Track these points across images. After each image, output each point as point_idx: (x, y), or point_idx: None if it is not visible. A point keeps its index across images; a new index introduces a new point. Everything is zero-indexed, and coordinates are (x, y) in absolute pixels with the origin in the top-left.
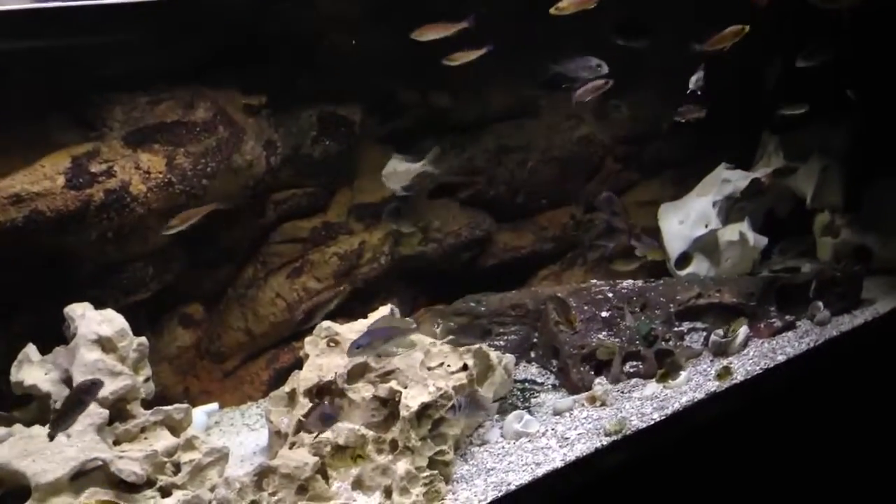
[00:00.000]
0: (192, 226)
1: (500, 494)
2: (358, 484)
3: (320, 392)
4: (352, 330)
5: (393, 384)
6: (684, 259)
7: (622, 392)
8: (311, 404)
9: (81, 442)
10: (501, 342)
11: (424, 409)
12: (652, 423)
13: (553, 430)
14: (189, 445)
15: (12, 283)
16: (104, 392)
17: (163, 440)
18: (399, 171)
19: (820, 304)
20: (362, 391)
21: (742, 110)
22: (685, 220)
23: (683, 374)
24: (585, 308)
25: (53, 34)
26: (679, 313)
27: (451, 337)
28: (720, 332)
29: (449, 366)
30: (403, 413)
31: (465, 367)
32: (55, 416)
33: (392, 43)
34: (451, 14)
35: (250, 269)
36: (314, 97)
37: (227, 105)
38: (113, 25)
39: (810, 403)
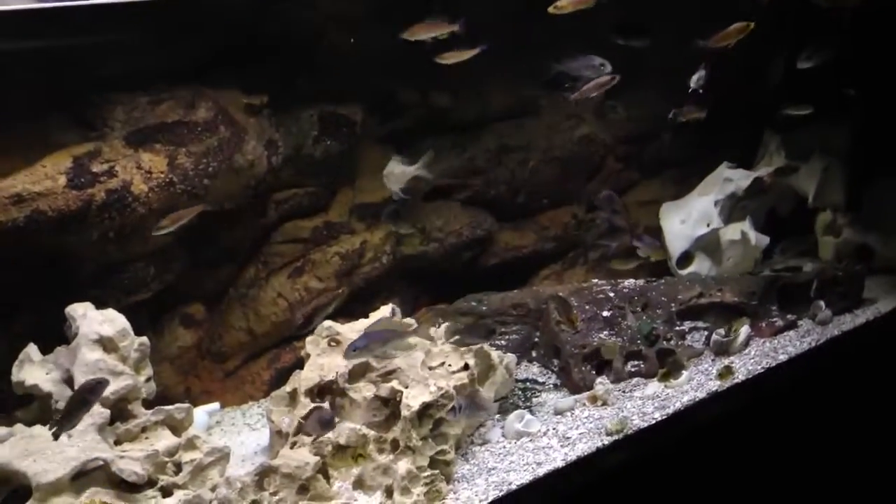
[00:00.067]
0: (189, 226)
1: (501, 494)
2: (359, 483)
3: (321, 392)
4: (353, 329)
5: (394, 384)
6: (686, 258)
7: (623, 391)
8: (312, 404)
9: (82, 442)
10: (503, 342)
11: (425, 408)
12: (653, 422)
13: (554, 429)
14: (190, 445)
15: (13, 282)
16: (105, 392)
17: (164, 440)
18: (396, 174)
19: (821, 303)
20: (363, 391)
21: (744, 109)
22: (687, 220)
23: (685, 373)
24: (587, 307)
25: (54, 34)
26: (680, 312)
27: (456, 337)
28: (721, 331)
29: (450, 365)
30: (404, 413)
31: (466, 367)
32: (60, 414)
33: (392, 43)
34: (449, 14)
35: (252, 268)
36: (315, 97)
37: (228, 105)
38: (113, 25)
39: (812, 403)
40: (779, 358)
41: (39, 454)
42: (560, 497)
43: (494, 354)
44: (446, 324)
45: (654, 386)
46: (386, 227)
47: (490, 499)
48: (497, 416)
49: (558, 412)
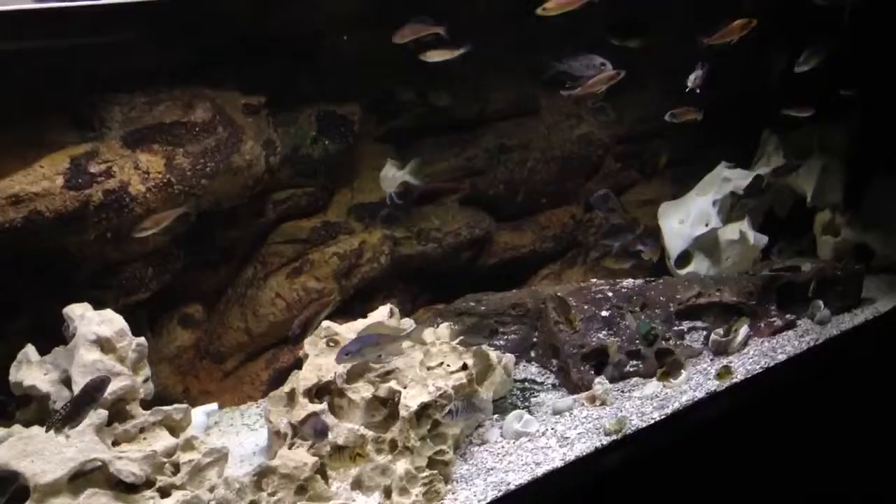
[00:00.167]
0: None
1: (499, 494)
2: (357, 484)
3: (320, 392)
4: (351, 330)
5: (392, 384)
6: (684, 258)
7: (622, 391)
8: (310, 404)
9: (80, 442)
10: (501, 341)
11: (424, 408)
12: (652, 422)
13: (553, 429)
14: (188, 446)
15: (11, 283)
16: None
17: (162, 440)
18: (388, 177)
19: (820, 302)
20: (362, 391)
21: (742, 109)
22: (685, 219)
23: (684, 373)
24: (585, 307)
25: (52, 34)
26: (679, 312)
27: (460, 337)
28: (720, 331)
29: (448, 365)
30: (403, 413)
31: (464, 367)
32: (65, 411)
33: (391, 42)
34: (448, 15)
35: (250, 269)
36: (313, 97)
37: (226, 105)
38: (111, 25)
39: (811, 403)
40: (777, 358)
41: (37, 455)
42: (559, 497)
43: (493, 354)
44: (446, 324)
45: (652, 386)
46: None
47: (489, 499)
48: (496, 417)
49: (557, 412)
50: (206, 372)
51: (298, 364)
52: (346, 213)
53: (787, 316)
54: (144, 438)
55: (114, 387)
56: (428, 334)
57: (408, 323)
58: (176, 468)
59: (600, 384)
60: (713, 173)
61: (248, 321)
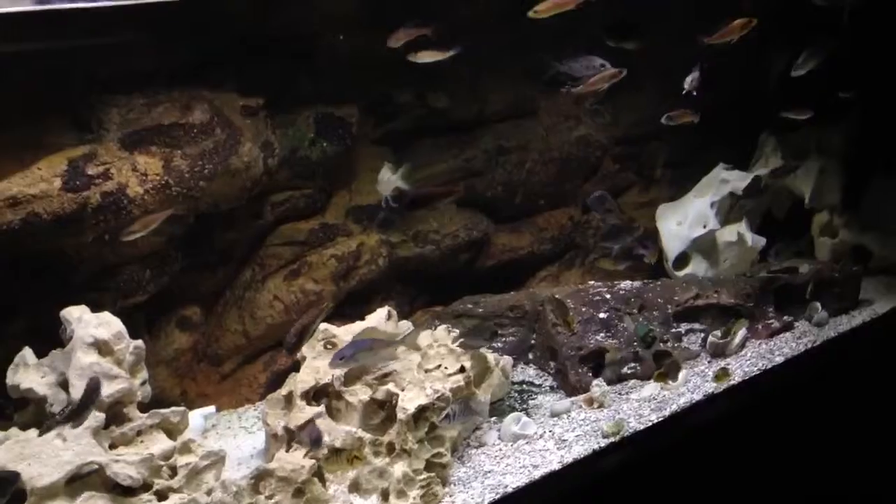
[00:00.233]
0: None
1: (497, 497)
2: (355, 487)
3: (317, 395)
4: (349, 332)
5: (390, 386)
6: (682, 259)
7: (620, 393)
8: (308, 407)
9: (77, 445)
10: (499, 344)
11: (421, 411)
12: (650, 424)
13: (551, 431)
14: (185, 449)
15: (9, 285)
16: (101, 395)
17: (159, 443)
18: (383, 181)
19: (818, 304)
20: (359, 394)
21: (741, 110)
22: (683, 221)
23: (681, 375)
24: (583, 309)
25: (49, 36)
26: (677, 314)
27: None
28: (718, 332)
29: (446, 368)
30: (400, 415)
31: (462, 370)
32: (69, 412)
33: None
34: (447, 16)
35: (248, 271)
36: (312, 99)
37: (224, 107)
38: (109, 27)
39: (808, 405)
40: (775, 360)
41: (34, 458)
42: (556, 500)
43: (491, 357)
44: (444, 326)
45: (650, 388)
46: None
47: (486, 502)
48: (493, 419)
49: (555, 414)
50: (203, 375)
51: (296, 367)
52: (344, 216)
53: (785, 318)
54: (142, 441)
55: (111, 389)
56: (425, 337)
57: (405, 325)
58: (173, 471)
59: (598, 386)
60: (711, 175)
61: (245, 324)
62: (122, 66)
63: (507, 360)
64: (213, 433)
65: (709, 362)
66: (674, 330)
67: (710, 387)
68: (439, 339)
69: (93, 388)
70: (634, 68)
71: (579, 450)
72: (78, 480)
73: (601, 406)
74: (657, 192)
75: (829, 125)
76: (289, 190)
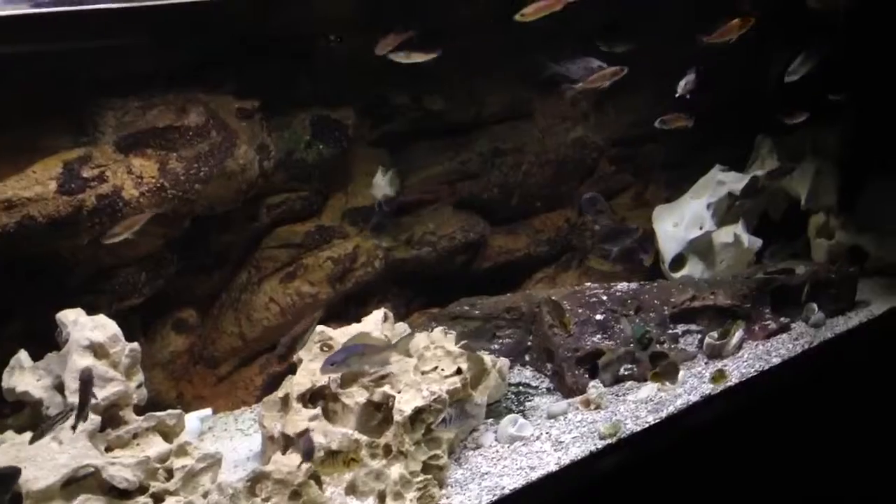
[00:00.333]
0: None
1: (494, 499)
2: (351, 489)
3: (314, 397)
4: (345, 334)
5: (386, 388)
6: (679, 261)
7: (617, 395)
8: (304, 409)
9: (73, 448)
10: (496, 345)
11: (418, 413)
12: (646, 426)
13: (547, 433)
14: (182, 451)
15: (4, 288)
16: (97, 398)
17: (155, 446)
18: (377, 184)
19: (814, 305)
20: (356, 396)
21: (737, 112)
22: (679, 223)
23: (679, 376)
24: (580, 311)
25: (45, 39)
26: (673, 316)
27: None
28: (715, 334)
29: (443, 370)
30: (397, 417)
31: (458, 372)
32: (75, 412)
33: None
34: (440, 17)
35: (244, 273)
36: (308, 101)
37: (219, 109)
38: (104, 29)
39: (805, 406)
40: (772, 361)
41: (30, 461)
42: (553, 501)
43: (487, 358)
44: (440, 328)
45: (647, 389)
46: None
47: (483, 503)
48: (490, 421)
49: (551, 416)
50: (199, 377)
51: (292, 369)
52: (341, 218)
53: (782, 319)
54: (138, 444)
55: (107, 392)
56: (422, 339)
57: (402, 327)
58: (169, 474)
59: (595, 388)
60: (707, 176)
61: (242, 326)
62: (117, 69)
63: (503, 361)
64: (210, 436)
65: (705, 364)
66: (670, 331)
67: (707, 388)
68: (436, 341)
69: (86, 381)
70: (630, 70)
71: (576, 451)
72: (74, 483)
73: (598, 407)
74: (653, 194)
75: (825, 127)
76: (285, 192)
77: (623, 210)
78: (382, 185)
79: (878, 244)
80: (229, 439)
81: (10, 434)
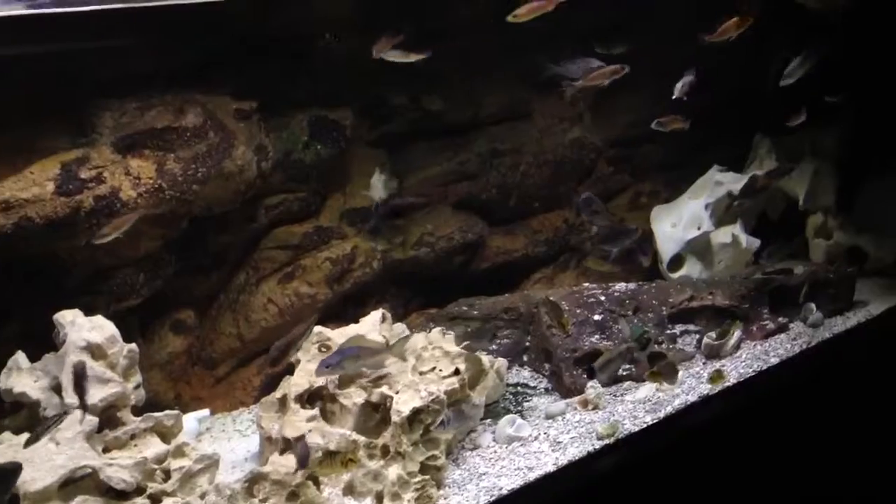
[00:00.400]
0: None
1: (492, 499)
2: (349, 489)
3: (311, 398)
4: (343, 335)
5: (384, 389)
6: (677, 261)
7: (615, 395)
8: (302, 410)
9: (71, 450)
10: (494, 346)
11: (416, 413)
12: (644, 426)
13: (545, 434)
14: (179, 452)
15: (2, 289)
16: (94, 399)
17: (153, 447)
18: (371, 186)
19: (812, 306)
20: (354, 396)
21: (735, 112)
22: (678, 223)
23: (678, 376)
24: (578, 311)
25: (42, 40)
26: (672, 316)
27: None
28: (713, 334)
29: (441, 370)
30: (395, 418)
31: (456, 372)
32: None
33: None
34: (441, 15)
35: (242, 274)
36: (306, 101)
37: (217, 110)
38: (102, 30)
39: (803, 406)
40: (770, 361)
41: (27, 462)
42: (551, 502)
43: (485, 359)
44: (438, 328)
45: (645, 390)
46: None
47: None
48: (488, 421)
49: (549, 416)
50: (197, 378)
51: (290, 370)
52: (339, 218)
53: (780, 319)
54: (135, 445)
55: (104, 393)
56: (420, 339)
57: (400, 328)
58: (167, 475)
59: (593, 388)
60: (705, 177)
61: (240, 327)
62: (114, 70)
63: (501, 362)
64: (207, 436)
65: (704, 364)
66: (668, 332)
67: (705, 388)
68: (434, 342)
69: (79, 373)
70: (629, 70)
71: (574, 452)
72: (71, 484)
73: (596, 408)
74: (651, 194)
75: (824, 127)
76: (283, 193)
77: (621, 211)
78: (379, 186)
79: (876, 244)
80: (227, 440)
81: (7, 435)
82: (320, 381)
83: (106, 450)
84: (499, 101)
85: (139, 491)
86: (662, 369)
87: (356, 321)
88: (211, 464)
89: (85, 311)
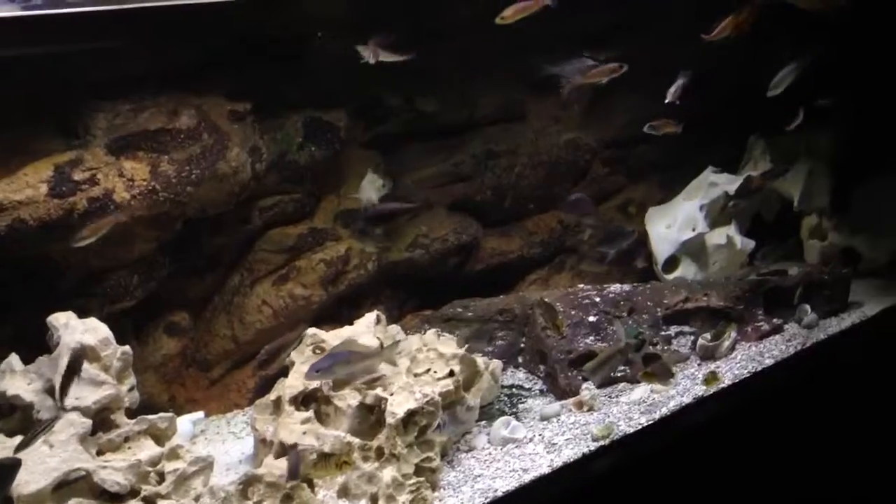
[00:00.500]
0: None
1: (487, 501)
2: (344, 492)
3: (306, 400)
4: (338, 336)
5: (379, 391)
6: (672, 263)
7: (610, 397)
8: (297, 412)
9: (64, 452)
10: (489, 348)
11: (411, 415)
12: (639, 427)
13: (540, 435)
14: (173, 455)
15: None
16: (87, 402)
17: (147, 450)
18: (362, 188)
19: (807, 307)
20: (348, 398)
21: (730, 113)
22: (672, 224)
23: (673, 378)
24: (573, 313)
25: (36, 42)
26: (666, 317)
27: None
28: (708, 335)
29: (435, 372)
30: (389, 420)
31: (451, 374)
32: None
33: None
34: (440, 16)
35: (236, 276)
36: (300, 103)
37: (211, 112)
38: (96, 32)
39: (798, 407)
40: (765, 362)
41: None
42: (546, 503)
43: (480, 361)
44: (433, 330)
45: (640, 391)
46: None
47: None
48: (483, 423)
49: (544, 418)
50: (192, 380)
51: (285, 372)
52: (333, 220)
53: (775, 320)
54: (129, 447)
55: (98, 396)
56: (415, 341)
57: (395, 330)
58: (161, 477)
59: (588, 389)
60: (700, 178)
61: (234, 329)
62: (108, 71)
63: (496, 363)
64: (202, 439)
65: (698, 365)
66: (663, 333)
67: (700, 390)
68: (428, 344)
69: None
70: (626, 71)
71: (569, 453)
72: (65, 487)
73: (591, 409)
74: (646, 195)
75: (818, 128)
76: (277, 194)
77: (614, 213)
78: (369, 188)
79: (871, 245)
80: (221, 442)
81: (0, 437)
82: (315, 383)
83: (100, 452)
84: (493, 103)
85: (133, 493)
86: (657, 370)
87: (351, 323)
88: (205, 466)
89: (78, 313)
